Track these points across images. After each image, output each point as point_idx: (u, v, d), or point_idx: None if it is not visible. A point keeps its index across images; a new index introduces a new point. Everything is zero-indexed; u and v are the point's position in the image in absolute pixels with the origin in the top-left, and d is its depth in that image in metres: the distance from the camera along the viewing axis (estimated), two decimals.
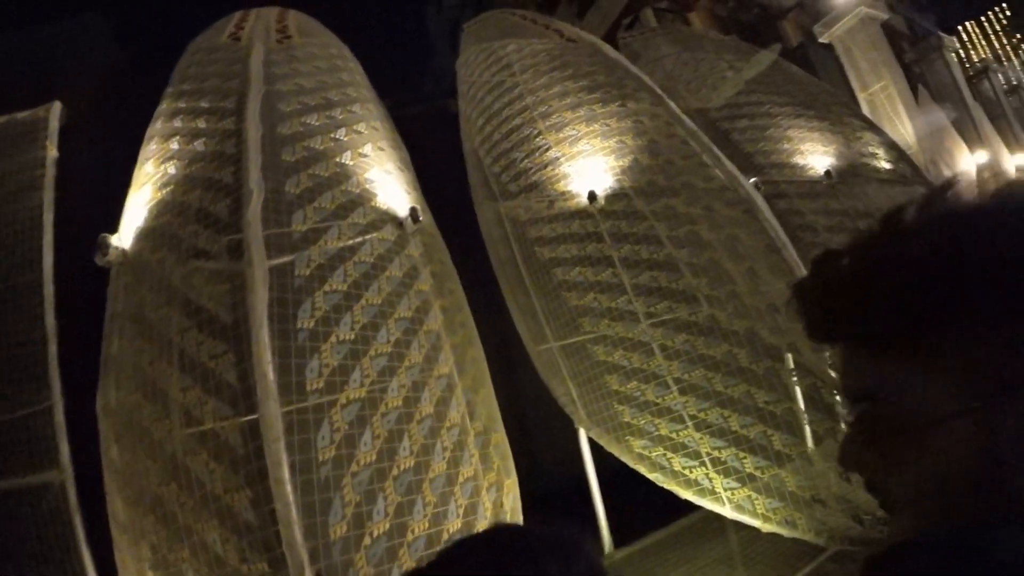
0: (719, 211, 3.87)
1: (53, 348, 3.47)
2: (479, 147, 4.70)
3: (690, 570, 4.18)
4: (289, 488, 2.18)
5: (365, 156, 3.45)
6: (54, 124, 4.24)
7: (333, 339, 2.54)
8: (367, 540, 2.45)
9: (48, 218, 3.78)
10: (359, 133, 3.61)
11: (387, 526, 2.47)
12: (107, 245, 2.89)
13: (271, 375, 2.27)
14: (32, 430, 3.49)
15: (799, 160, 5.60)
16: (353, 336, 2.60)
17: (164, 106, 3.83)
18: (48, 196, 3.85)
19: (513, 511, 3.16)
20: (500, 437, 3.27)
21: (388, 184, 3.42)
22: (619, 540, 4.66)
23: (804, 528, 3.56)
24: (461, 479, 2.81)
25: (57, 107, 4.36)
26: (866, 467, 0.61)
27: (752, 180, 4.57)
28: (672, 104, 4.32)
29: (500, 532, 0.95)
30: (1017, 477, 0.52)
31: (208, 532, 2.31)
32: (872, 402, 0.59)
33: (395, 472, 2.53)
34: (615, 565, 4.49)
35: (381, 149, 3.66)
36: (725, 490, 3.88)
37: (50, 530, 3.37)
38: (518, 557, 0.79)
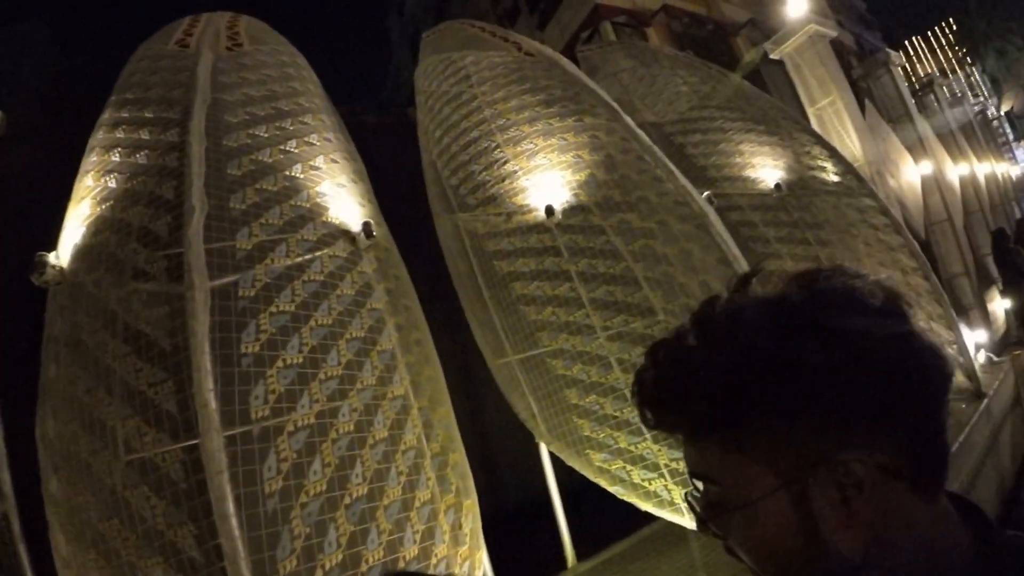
0: (673, 225, 3.94)
1: None
2: (437, 159, 4.66)
3: None
4: (235, 523, 2.09)
5: (317, 169, 3.37)
6: None
7: (280, 363, 2.46)
8: (319, 573, 2.37)
9: None
10: (311, 145, 3.53)
11: (340, 557, 2.40)
12: (44, 264, 2.74)
13: (213, 404, 2.17)
14: None
15: (750, 173, 5.77)
16: (301, 359, 2.53)
17: (106, 116, 3.67)
18: None
19: (473, 532, 3.12)
20: (459, 457, 3.23)
21: (341, 198, 3.35)
22: (582, 553, 4.67)
23: None
24: (417, 504, 2.76)
25: None
26: (715, 536, 0.67)
27: (705, 194, 4.67)
28: (628, 119, 4.38)
29: None
30: (837, 546, 0.58)
31: (152, 569, 2.20)
32: (708, 481, 0.66)
33: (347, 501, 2.46)
34: None
35: (334, 161, 3.58)
36: (684, 501, 3.93)
37: None
38: None
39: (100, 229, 2.67)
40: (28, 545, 3.12)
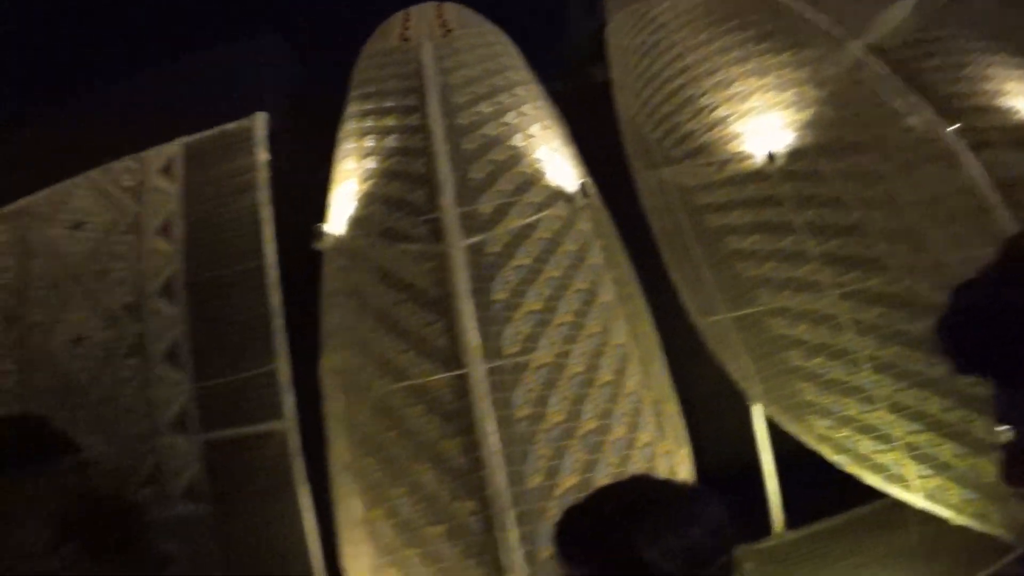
0: (917, 167, 3.45)
1: (277, 322, 4.13)
2: (637, 114, 4.61)
3: (865, 559, 3.91)
4: (494, 439, 2.46)
5: (533, 136, 3.61)
6: (261, 132, 4.85)
7: (523, 309, 2.80)
8: (558, 491, 2.66)
9: (265, 213, 4.41)
10: (525, 115, 3.77)
11: (575, 480, 2.68)
12: (322, 233, 3.37)
13: (476, 341, 2.56)
14: (260, 389, 4.20)
15: (1004, 102, 4.75)
16: (539, 307, 2.84)
17: (352, 109, 4.27)
18: (263, 195, 4.49)
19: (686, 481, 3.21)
20: (673, 408, 3.34)
21: (555, 161, 3.57)
22: (792, 523, 4.46)
23: (996, 523, 3.18)
24: (639, 444, 2.94)
25: (262, 117, 4.96)
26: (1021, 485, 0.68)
27: (952, 128, 4.00)
28: (855, 45, 3.89)
29: (641, 480, 1.15)
30: None
31: (423, 473, 2.70)
32: (1018, 429, 0.65)
33: (580, 432, 2.73)
34: (784, 547, 4.32)
35: (546, 128, 3.79)
36: (918, 477, 3.55)
37: (274, 471, 4.07)
38: (655, 503, 0.99)
39: (368, 202, 3.22)
40: (302, 459, 3.94)
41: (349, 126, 4.08)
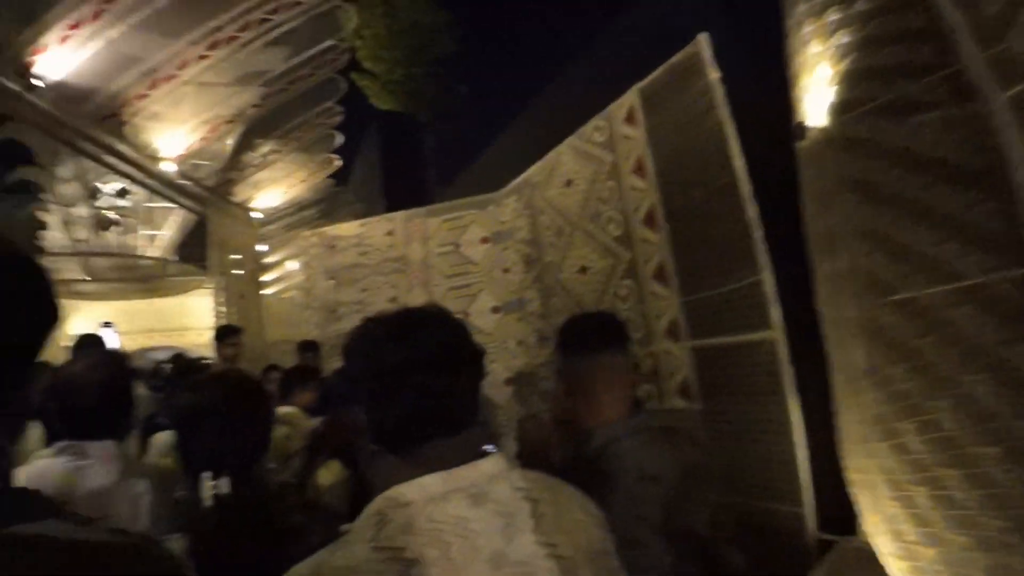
0: None
1: (756, 233, 4.28)
2: None
3: None
4: None
5: None
6: (707, 52, 4.92)
7: None
8: None
9: (729, 129, 4.56)
10: None
11: None
12: (803, 130, 3.23)
13: None
14: (744, 300, 4.48)
15: None
16: None
17: None
18: (723, 112, 4.63)
19: None
20: None
21: None
22: None
23: None
24: None
25: (704, 37, 5.00)
26: None
27: None
28: None
29: None
30: None
31: (973, 385, 2.31)
32: None
33: None
34: None
35: None
36: None
37: (760, 378, 4.32)
38: None
39: (855, 81, 2.83)
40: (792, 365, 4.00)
41: (800, 10, 3.67)
